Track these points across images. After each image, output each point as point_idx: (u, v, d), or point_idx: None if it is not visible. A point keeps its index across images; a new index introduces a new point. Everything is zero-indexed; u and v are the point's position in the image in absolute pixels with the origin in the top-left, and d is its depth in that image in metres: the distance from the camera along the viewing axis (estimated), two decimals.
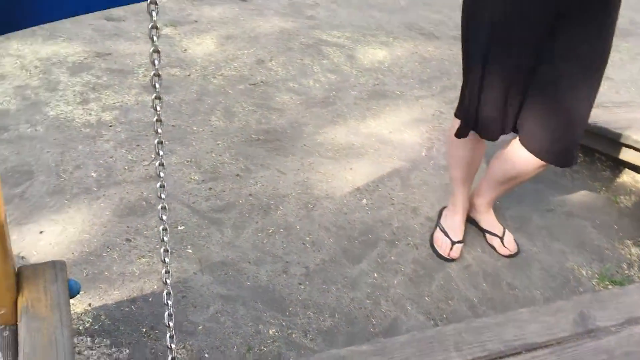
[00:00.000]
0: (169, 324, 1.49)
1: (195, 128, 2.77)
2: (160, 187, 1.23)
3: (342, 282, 2.18)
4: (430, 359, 1.31)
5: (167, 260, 1.44)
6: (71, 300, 1.91)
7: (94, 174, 2.39)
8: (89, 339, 1.82)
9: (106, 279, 2.01)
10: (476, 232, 2.52)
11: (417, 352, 1.33)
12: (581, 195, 2.83)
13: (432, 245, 2.39)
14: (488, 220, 2.47)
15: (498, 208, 2.53)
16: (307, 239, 2.31)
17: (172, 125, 2.75)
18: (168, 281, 1.47)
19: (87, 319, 1.87)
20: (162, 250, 1.46)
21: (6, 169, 2.33)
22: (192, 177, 2.46)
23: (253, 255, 2.19)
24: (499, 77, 1.95)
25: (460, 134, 2.13)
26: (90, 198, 2.29)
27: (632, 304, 1.57)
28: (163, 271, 1.46)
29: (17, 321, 1.37)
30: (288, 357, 1.90)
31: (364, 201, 2.55)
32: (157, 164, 1.42)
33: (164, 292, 1.47)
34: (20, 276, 1.43)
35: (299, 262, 2.21)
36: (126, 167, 2.42)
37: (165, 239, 1.41)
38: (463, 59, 2.06)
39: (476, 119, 2.04)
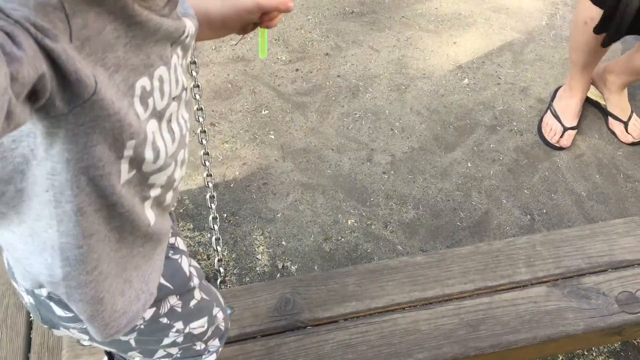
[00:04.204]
0: (216, 248, 1.45)
1: None
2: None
3: (431, 172, 2.04)
4: (493, 274, 1.19)
5: (213, 205, 1.39)
6: None
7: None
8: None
9: (191, 164, 2.04)
10: (595, 116, 2.21)
11: (479, 266, 1.20)
12: None
13: (539, 131, 2.14)
14: (616, 101, 2.13)
15: (629, 87, 2.17)
16: (397, 124, 2.16)
17: None
18: (213, 206, 1.41)
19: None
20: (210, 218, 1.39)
21: None
22: (279, 57, 2.35)
23: (337, 142, 2.10)
24: None
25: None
26: None
27: None
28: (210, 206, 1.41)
29: None
30: (365, 249, 1.85)
31: (465, 81, 2.31)
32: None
33: (210, 217, 1.41)
34: None
35: (385, 150, 2.08)
36: (213, 48, 2.37)
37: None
38: None
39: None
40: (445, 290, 1.16)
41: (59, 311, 0.73)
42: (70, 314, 0.72)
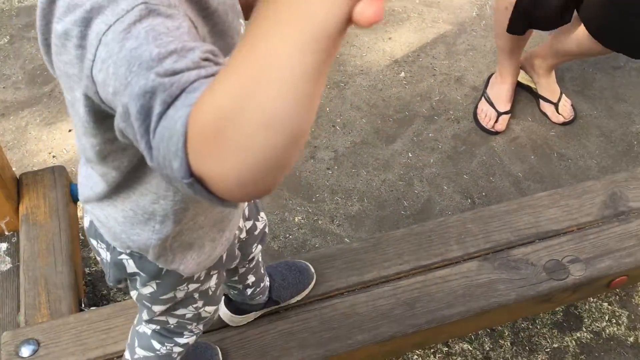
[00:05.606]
0: None
1: None
2: None
3: (373, 165, 2.08)
4: (426, 253, 1.23)
5: None
6: None
7: None
8: None
9: None
10: (528, 100, 2.29)
11: (413, 247, 1.24)
12: None
13: (475, 118, 2.21)
14: (545, 84, 2.21)
15: (557, 69, 2.26)
16: (338, 120, 2.20)
17: None
18: None
19: None
20: None
21: (34, 67, 2.34)
22: None
23: None
24: None
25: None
26: None
27: None
28: None
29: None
30: (314, 244, 1.88)
31: (402, 74, 2.36)
32: None
33: None
34: (22, 183, 1.46)
35: (328, 146, 2.12)
36: None
37: None
38: None
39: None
40: (381, 272, 1.20)
41: (131, 269, 0.82)
42: (142, 275, 0.82)
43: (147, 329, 1.01)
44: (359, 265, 1.21)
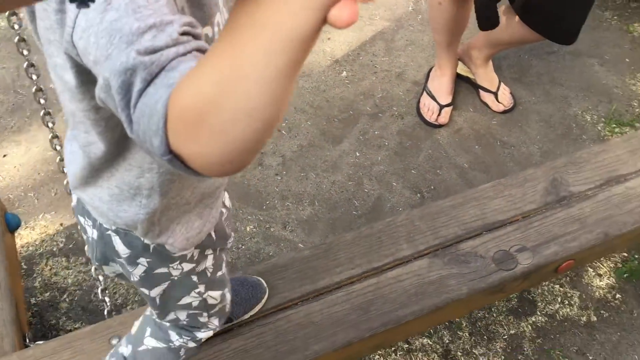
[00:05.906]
0: (98, 277, 1.43)
1: None
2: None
3: (322, 167, 2.07)
4: (377, 255, 1.22)
5: None
6: (42, 223, 1.89)
7: (52, 85, 2.27)
8: (64, 259, 1.81)
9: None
10: (468, 91, 2.32)
11: (364, 249, 1.23)
12: (589, 29, 2.53)
13: (418, 113, 2.22)
14: (484, 74, 2.25)
15: (494, 58, 2.30)
16: (283, 125, 2.18)
17: None
18: None
19: (61, 239, 1.85)
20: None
21: None
22: None
23: None
24: None
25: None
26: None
27: (614, 160, 1.41)
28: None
29: None
30: (267, 252, 1.86)
31: (344, 74, 2.36)
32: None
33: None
34: None
35: (275, 152, 2.10)
36: None
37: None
38: None
39: None
40: (334, 278, 1.19)
41: (119, 247, 0.82)
42: (129, 252, 0.82)
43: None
44: (311, 273, 1.19)
